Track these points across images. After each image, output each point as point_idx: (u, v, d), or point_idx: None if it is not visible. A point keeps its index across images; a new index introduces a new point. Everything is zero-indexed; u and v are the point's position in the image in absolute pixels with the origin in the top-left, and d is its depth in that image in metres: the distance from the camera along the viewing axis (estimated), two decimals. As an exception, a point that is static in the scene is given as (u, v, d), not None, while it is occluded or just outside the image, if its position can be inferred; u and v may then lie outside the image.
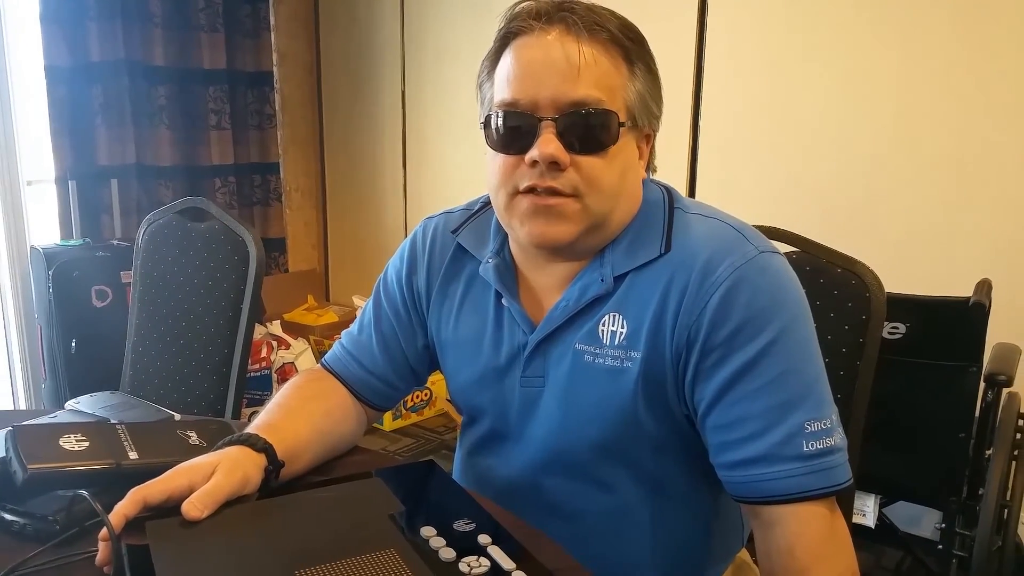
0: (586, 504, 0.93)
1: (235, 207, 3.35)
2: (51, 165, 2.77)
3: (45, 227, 2.87)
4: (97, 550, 0.72)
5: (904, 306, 1.63)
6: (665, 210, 0.91)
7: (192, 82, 3.15)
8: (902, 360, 1.64)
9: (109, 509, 0.73)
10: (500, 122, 0.85)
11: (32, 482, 0.79)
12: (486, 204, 1.01)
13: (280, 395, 1.00)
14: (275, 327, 3.29)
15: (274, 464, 0.84)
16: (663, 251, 0.87)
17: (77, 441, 0.85)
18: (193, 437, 0.93)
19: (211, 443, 0.92)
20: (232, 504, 0.77)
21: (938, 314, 1.64)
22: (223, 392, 1.64)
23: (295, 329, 3.35)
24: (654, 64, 0.88)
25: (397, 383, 1.07)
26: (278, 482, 0.85)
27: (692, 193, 2.56)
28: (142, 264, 1.77)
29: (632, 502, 0.92)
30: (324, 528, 0.74)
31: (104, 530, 0.71)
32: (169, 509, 0.74)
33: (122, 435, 0.89)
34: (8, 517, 0.80)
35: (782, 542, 0.82)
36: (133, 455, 0.86)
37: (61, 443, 0.84)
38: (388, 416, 3.07)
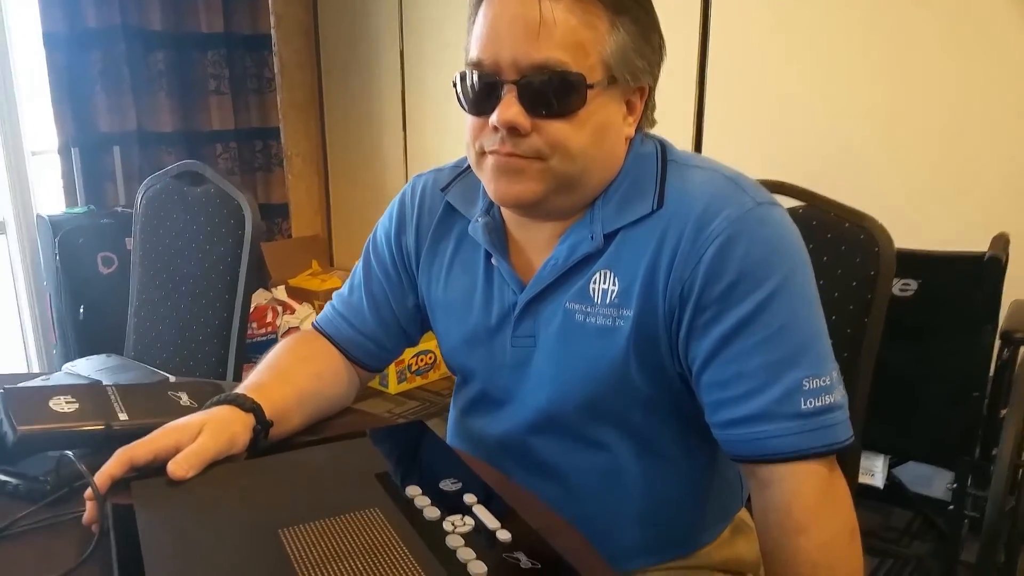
0: (578, 464, 0.93)
1: (237, 173, 3.35)
2: (53, 134, 2.76)
3: (51, 196, 2.87)
4: (85, 510, 0.72)
5: (916, 262, 1.59)
6: (658, 164, 0.87)
7: (190, 47, 3.12)
8: (914, 318, 1.61)
9: (98, 470, 0.73)
10: (467, 82, 0.83)
11: (22, 443, 0.80)
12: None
13: (270, 356, 1.00)
14: (280, 292, 3.30)
15: (262, 424, 0.84)
16: (655, 207, 0.84)
17: (67, 403, 0.85)
18: (184, 398, 0.93)
19: (202, 404, 0.92)
20: (219, 464, 0.77)
21: (952, 270, 1.59)
22: (224, 355, 1.65)
23: (299, 294, 3.36)
24: (646, 14, 0.83)
25: (388, 344, 1.07)
26: (267, 442, 0.85)
27: (699, 147, 2.53)
28: (141, 229, 1.77)
29: (624, 462, 0.92)
30: (310, 488, 0.74)
31: (90, 490, 0.71)
32: (156, 469, 0.74)
33: (112, 397, 0.89)
34: (1, 477, 0.81)
35: (779, 501, 0.81)
36: (123, 416, 0.86)
37: (51, 405, 0.84)
38: (393, 379, 3.09)
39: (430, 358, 3.20)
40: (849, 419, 0.82)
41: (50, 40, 2.70)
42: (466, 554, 0.63)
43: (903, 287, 1.59)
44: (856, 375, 1.14)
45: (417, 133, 3.36)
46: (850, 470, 1.14)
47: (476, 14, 0.83)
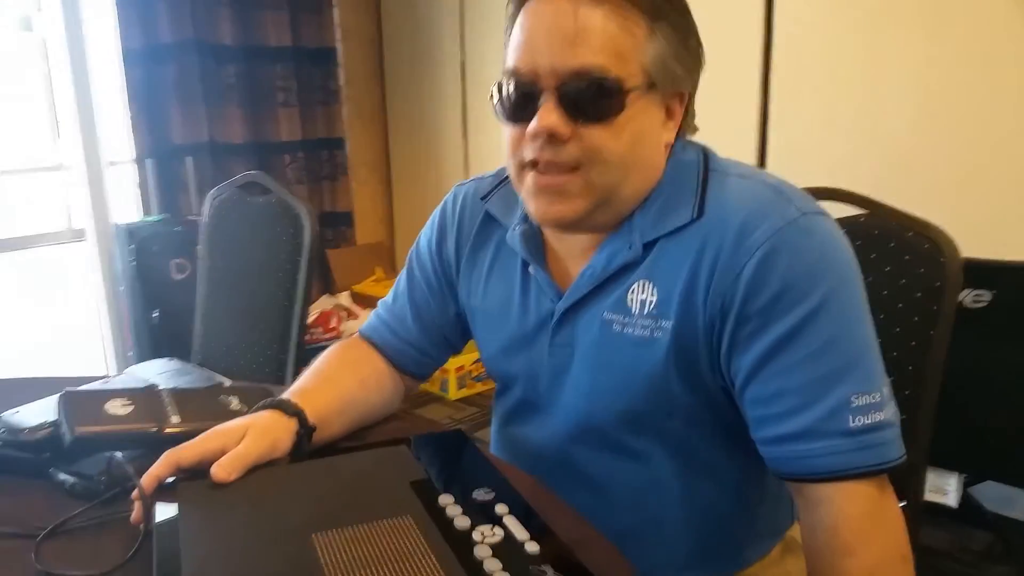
0: (616, 475, 0.92)
1: (304, 182, 3.43)
2: (129, 146, 2.88)
3: (127, 205, 3.00)
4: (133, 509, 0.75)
5: (989, 272, 1.53)
6: (699, 172, 0.86)
7: (259, 60, 3.22)
8: (989, 330, 1.54)
9: (146, 471, 0.76)
10: (505, 91, 0.83)
11: (78, 444, 0.84)
12: None
13: (317, 362, 1.03)
14: (344, 298, 3.37)
15: (305, 428, 0.86)
16: (695, 216, 0.82)
17: (123, 406, 0.89)
18: (234, 403, 0.96)
19: (252, 408, 0.95)
20: (262, 468, 0.79)
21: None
22: (284, 359, 1.69)
23: (363, 300, 3.42)
24: (683, 20, 0.82)
25: (431, 351, 1.08)
26: (311, 446, 0.87)
27: (763, 154, 2.48)
28: (208, 238, 1.83)
29: (663, 473, 0.90)
30: (346, 494, 0.75)
31: (136, 490, 0.74)
32: (202, 471, 0.77)
33: (166, 400, 0.92)
34: (60, 476, 0.85)
35: (826, 521, 0.78)
36: (175, 420, 0.89)
37: (107, 408, 0.88)
38: (453, 385, 3.11)
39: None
40: (901, 437, 0.79)
41: (128, 56, 2.82)
42: (492, 565, 0.63)
43: (976, 298, 1.52)
44: (922, 389, 1.10)
45: (477, 142, 3.39)
46: (914, 488, 1.10)
47: (512, 25, 0.83)
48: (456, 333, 1.08)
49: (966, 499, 1.78)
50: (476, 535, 0.67)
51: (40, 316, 3.17)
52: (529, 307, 0.94)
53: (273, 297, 1.70)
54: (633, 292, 0.85)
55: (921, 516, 1.14)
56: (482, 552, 0.65)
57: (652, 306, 0.83)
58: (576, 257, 0.90)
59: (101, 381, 1.06)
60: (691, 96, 0.87)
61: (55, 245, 2.96)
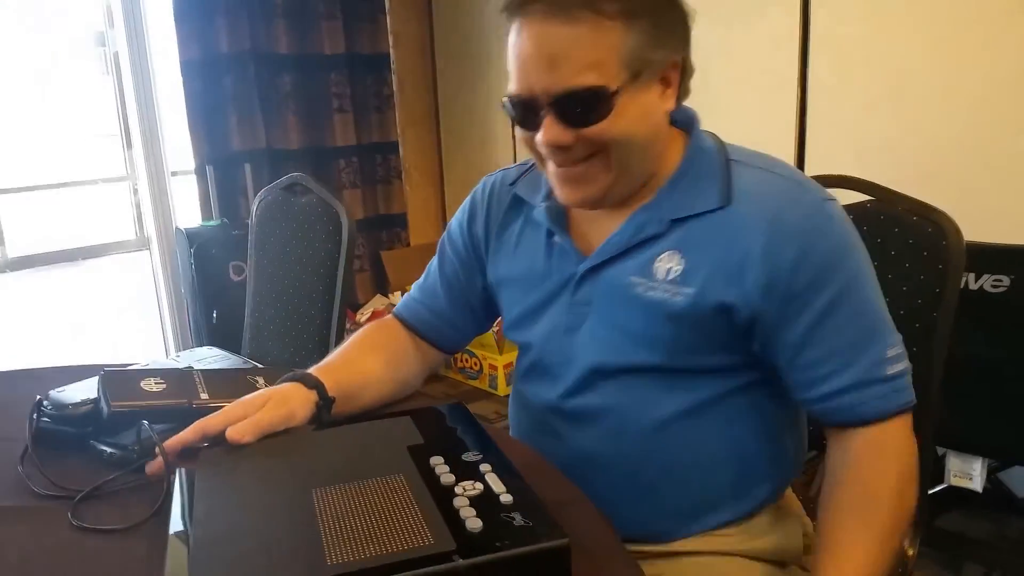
0: (624, 417, 0.97)
1: (359, 186, 3.53)
2: (190, 154, 3.04)
3: (188, 210, 3.15)
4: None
5: (1008, 257, 1.52)
6: (721, 160, 0.95)
7: (314, 68, 3.32)
8: (1010, 314, 1.54)
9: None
10: (512, 108, 0.93)
11: (115, 417, 0.92)
12: None
13: (346, 342, 1.14)
14: (396, 298, 3.46)
15: (324, 400, 0.95)
16: (724, 203, 0.92)
17: (156, 384, 0.97)
18: (260, 382, 1.04)
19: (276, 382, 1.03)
20: (279, 435, 0.87)
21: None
22: (324, 353, 1.77)
23: (415, 299, 3.50)
24: (655, 10, 0.88)
25: (458, 322, 1.19)
26: (331, 417, 0.96)
27: (802, 144, 2.46)
28: (256, 237, 1.93)
29: (667, 417, 0.96)
30: (348, 457, 0.82)
31: (158, 453, 0.83)
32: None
33: (197, 380, 1.01)
34: (100, 447, 0.94)
35: (856, 449, 0.91)
36: (204, 396, 0.97)
37: (142, 385, 0.96)
38: (502, 381, 3.17)
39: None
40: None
41: (187, 68, 2.96)
42: (467, 512, 0.69)
43: (995, 283, 1.52)
44: (929, 369, 1.12)
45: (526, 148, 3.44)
46: (927, 468, 1.12)
47: (507, 47, 0.92)
48: (482, 305, 1.17)
49: (995, 485, 1.76)
50: (458, 489, 0.73)
51: (108, 322, 3.34)
52: (552, 271, 1.03)
53: (315, 292, 1.79)
54: (660, 260, 0.94)
55: (945, 501, 1.15)
56: (460, 503, 0.71)
57: (677, 274, 0.93)
58: (600, 224, 0.99)
59: (142, 364, 1.15)
60: (686, 58, 0.94)
61: (125, 253, 3.14)
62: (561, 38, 0.85)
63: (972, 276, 1.55)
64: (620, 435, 0.97)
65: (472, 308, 1.18)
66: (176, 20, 2.90)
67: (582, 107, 0.87)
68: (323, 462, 0.81)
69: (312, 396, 0.95)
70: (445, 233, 1.19)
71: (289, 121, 3.27)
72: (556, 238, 1.02)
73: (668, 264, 0.93)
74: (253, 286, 1.94)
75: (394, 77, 3.63)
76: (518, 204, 1.10)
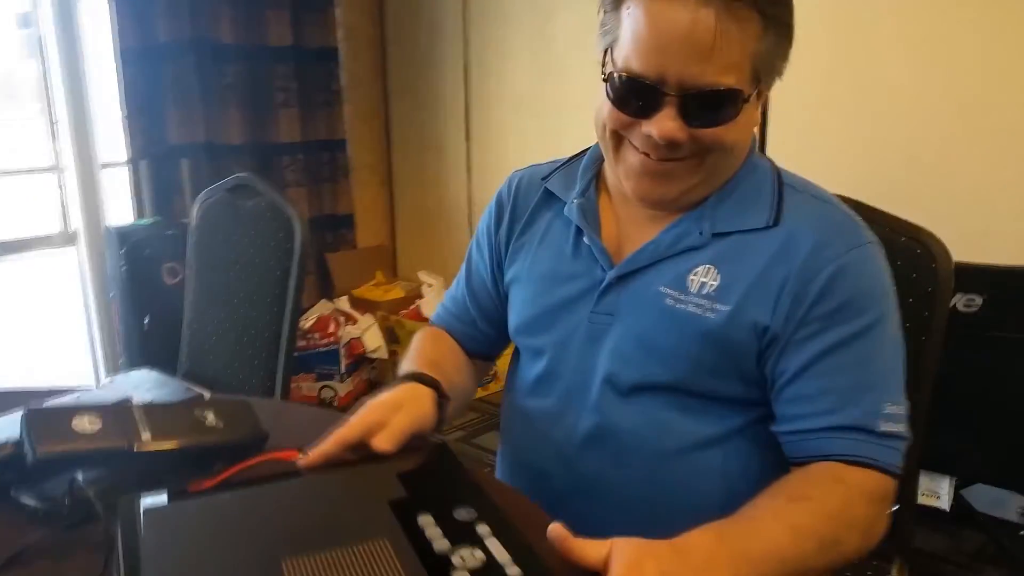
0: (637, 443, 0.92)
1: (304, 184, 3.39)
2: (123, 147, 2.85)
3: (120, 207, 2.96)
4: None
5: (980, 276, 1.52)
6: (774, 182, 0.92)
7: (259, 60, 3.17)
8: (980, 334, 1.53)
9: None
10: (622, 86, 0.84)
11: (42, 464, 0.79)
12: (575, 156, 1.05)
13: (418, 346, 1.07)
14: (343, 303, 3.33)
15: (444, 399, 0.90)
16: (771, 223, 0.88)
17: (90, 423, 0.84)
18: (210, 418, 0.92)
19: (228, 424, 0.91)
20: (235, 488, 0.76)
21: (1017, 284, 1.52)
22: (274, 366, 1.65)
23: (362, 305, 3.38)
24: (790, 16, 0.85)
25: (491, 332, 1.13)
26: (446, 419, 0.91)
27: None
28: (196, 242, 1.79)
29: (685, 444, 0.90)
30: (320, 515, 0.71)
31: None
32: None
33: (137, 417, 0.88)
34: (23, 500, 0.81)
35: (832, 471, 0.81)
36: (146, 436, 0.85)
37: (74, 425, 0.83)
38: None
39: (491, 371, 3.18)
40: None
41: (124, 55, 2.78)
42: (471, 595, 0.59)
43: (968, 302, 1.51)
44: (915, 393, 1.08)
45: (480, 145, 3.35)
46: (907, 492, 1.09)
47: (623, 7, 0.83)
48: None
49: (958, 501, 1.78)
50: (456, 559, 0.63)
51: (30, 322, 3.13)
52: (578, 274, 0.96)
53: (263, 303, 1.66)
54: (696, 274, 0.89)
55: (915, 519, 1.14)
56: (460, 579, 0.60)
57: (712, 289, 0.88)
58: (638, 227, 0.94)
59: (72, 396, 1.01)
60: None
61: (48, 249, 2.93)
62: (718, 30, 0.77)
63: (944, 295, 1.53)
64: (628, 459, 0.92)
65: (501, 315, 1.10)
66: (113, 4, 2.73)
67: (713, 107, 0.82)
68: (292, 522, 0.70)
69: (434, 395, 0.90)
70: (472, 240, 1.13)
71: (231, 115, 3.11)
72: (585, 239, 0.96)
73: (704, 278, 0.88)
74: (193, 296, 1.80)
75: (343, 72, 3.50)
76: (548, 200, 1.03)
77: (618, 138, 0.88)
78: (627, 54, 0.83)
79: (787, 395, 0.86)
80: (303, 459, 0.78)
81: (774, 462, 0.94)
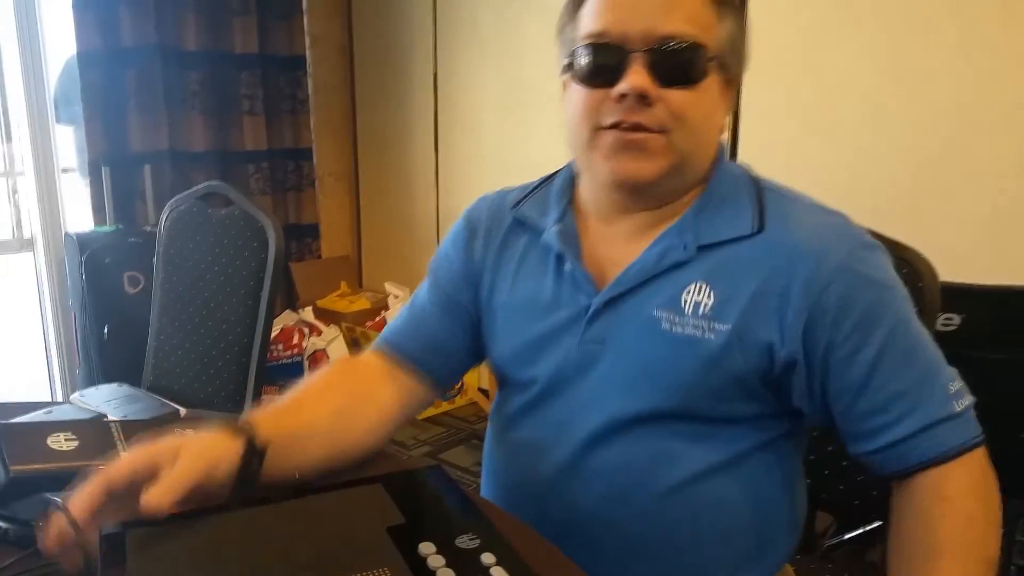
0: (638, 477, 0.87)
1: (268, 192, 3.33)
2: (84, 151, 2.77)
3: (80, 214, 2.87)
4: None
5: (959, 296, 1.53)
6: (752, 186, 0.89)
7: (225, 67, 3.12)
8: (958, 353, 1.54)
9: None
10: (587, 56, 0.84)
11: (15, 484, 0.75)
12: (545, 180, 1.02)
13: (300, 383, 0.94)
14: (307, 313, 3.27)
15: (254, 450, 0.77)
16: (756, 229, 0.85)
17: (66, 440, 0.80)
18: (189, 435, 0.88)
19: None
20: (224, 513, 0.72)
21: (995, 305, 1.54)
22: (243, 380, 1.61)
23: (327, 316, 3.32)
24: (740, 13, 0.87)
25: (453, 351, 1.02)
26: (259, 472, 0.78)
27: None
28: (164, 251, 1.74)
29: (690, 476, 0.86)
30: (315, 543, 0.68)
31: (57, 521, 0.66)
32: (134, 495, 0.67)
33: (115, 433, 0.84)
34: (-8, 521, 0.76)
35: (936, 488, 0.81)
36: (125, 455, 0.81)
37: (49, 442, 0.79)
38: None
39: (457, 384, 3.15)
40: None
41: (85, 58, 2.71)
42: (482, 630, 0.56)
43: (946, 321, 1.52)
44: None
45: (449, 156, 3.33)
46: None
47: (581, 8, 0.86)
48: (477, 334, 1.02)
49: None
50: (462, 592, 0.61)
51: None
52: (562, 302, 0.92)
53: (233, 316, 1.62)
54: (688, 293, 0.85)
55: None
56: (470, 613, 0.58)
57: (708, 308, 0.84)
58: (620, 248, 0.90)
59: (44, 411, 0.97)
60: (737, 84, 0.91)
61: (1, 255, 2.83)
62: None
63: (922, 315, 1.55)
64: (631, 495, 0.87)
65: (468, 333, 1.02)
66: (74, 6, 2.67)
67: (680, 60, 0.81)
68: (284, 552, 0.67)
69: (237, 446, 0.76)
70: (435, 257, 1.06)
71: (195, 121, 3.06)
72: (567, 265, 0.91)
73: (697, 297, 0.85)
74: (159, 307, 1.75)
75: (310, 80, 3.46)
76: (519, 227, 0.99)
77: (592, 132, 0.86)
78: (590, 27, 0.84)
79: (854, 414, 0.83)
80: (70, 507, 0.66)
81: (794, 470, 0.93)
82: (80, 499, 0.66)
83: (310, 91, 3.46)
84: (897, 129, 2.15)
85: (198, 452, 0.72)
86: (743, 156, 2.41)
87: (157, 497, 0.67)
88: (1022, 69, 1.93)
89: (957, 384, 0.83)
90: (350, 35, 3.61)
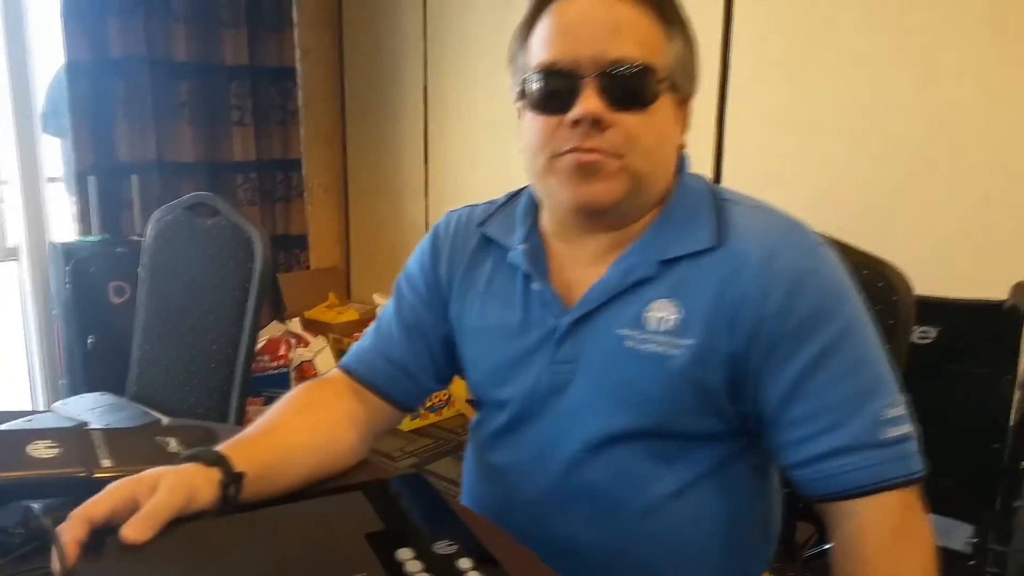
0: (615, 496, 0.88)
1: (257, 203, 3.34)
2: (71, 162, 2.77)
3: (65, 223, 2.87)
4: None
5: (935, 309, 1.54)
6: (711, 199, 0.89)
7: (214, 78, 3.13)
8: (933, 366, 1.56)
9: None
10: (539, 82, 0.84)
11: (-6, 491, 0.75)
12: (511, 197, 1.02)
13: (270, 408, 0.94)
14: (294, 324, 3.27)
15: (231, 477, 0.77)
16: (716, 243, 0.85)
17: (47, 448, 0.81)
18: (172, 444, 0.89)
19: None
20: (192, 520, 0.71)
21: (971, 318, 1.56)
22: (228, 392, 1.61)
23: (314, 327, 3.32)
24: (690, 30, 0.88)
25: (417, 373, 1.02)
26: (243, 499, 0.77)
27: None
28: (150, 261, 1.74)
29: (667, 493, 0.87)
30: (293, 549, 0.69)
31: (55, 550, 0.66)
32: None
33: (96, 441, 0.84)
34: (-29, 528, 0.76)
35: (855, 531, 0.80)
36: (106, 463, 0.81)
37: (29, 450, 0.80)
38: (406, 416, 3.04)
39: (444, 395, 3.15)
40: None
41: (73, 69, 2.71)
42: (457, 634, 0.57)
43: (922, 335, 1.53)
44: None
45: (439, 167, 3.34)
46: None
47: (536, 22, 0.87)
48: (444, 353, 1.03)
49: None
50: (438, 597, 0.62)
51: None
52: (531, 324, 0.92)
53: (219, 326, 1.62)
54: (651, 310, 0.85)
55: None
56: (445, 619, 0.59)
57: (672, 324, 0.84)
58: (583, 268, 0.90)
59: (24, 419, 0.97)
60: (690, 103, 0.91)
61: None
62: (620, 10, 0.82)
63: (900, 328, 1.56)
64: (608, 518, 0.87)
65: (434, 356, 1.03)
66: (64, 17, 2.68)
67: (630, 84, 0.82)
68: (261, 560, 0.67)
69: (214, 475, 0.76)
70: (401, 276, 1.06)
71: (184, 132, 3.06)
72: (535, 285, 0.91)
73: (660, 313, 0.84)
74: (143, 317, 1.74)
75: (300, 91, 3.47)
76: (486, 246, 0.99)
77: (548, 160, 0.86)
78: (541, 56, 0.84)
79: (782, 422, 0.82)
80: (63, 541, 0.66)
81: (767, 482, 0.94)
82: (69, 539, 0.66)
83: (300, 102, 3.48)
84: (873, 143, 2.18)
85: (176, 484, 0.72)
86: (727, 167, 2.44)
87: (136, 530, 0.67)
88: (1003, 83, 1.96)
89: (897, 411, 0.80)
90: (341, 47, 3.63)
